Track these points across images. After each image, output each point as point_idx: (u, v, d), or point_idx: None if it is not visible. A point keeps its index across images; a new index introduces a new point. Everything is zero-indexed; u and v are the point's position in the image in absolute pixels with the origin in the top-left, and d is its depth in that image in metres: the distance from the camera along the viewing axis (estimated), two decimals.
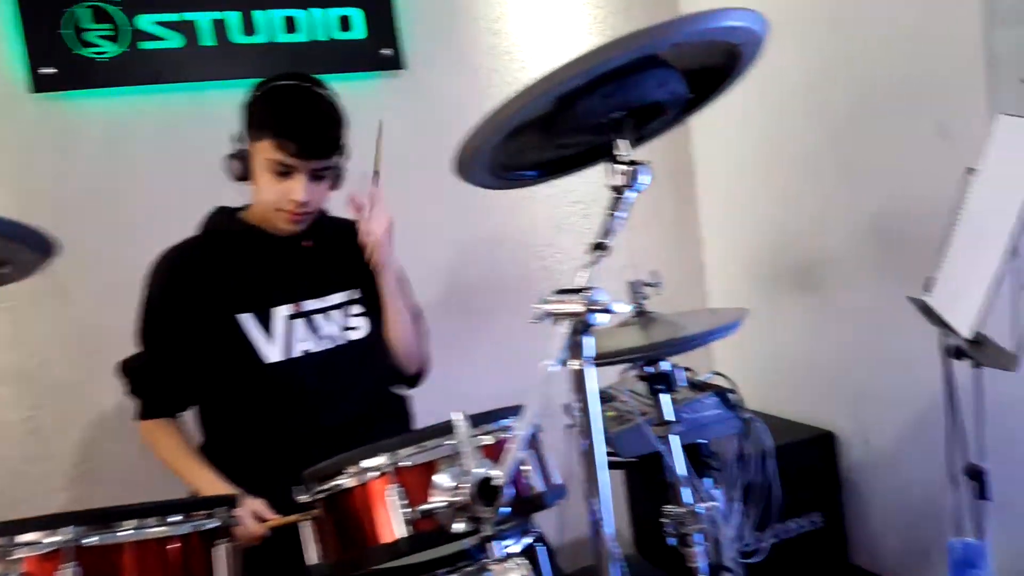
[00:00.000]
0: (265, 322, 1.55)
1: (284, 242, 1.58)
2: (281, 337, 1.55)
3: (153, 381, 1.57)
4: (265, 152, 1.46)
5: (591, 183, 2.50)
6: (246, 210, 1.61)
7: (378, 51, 2.25)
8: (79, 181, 1.95)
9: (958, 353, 1.38)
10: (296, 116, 1.46)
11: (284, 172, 1.47)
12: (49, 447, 1.93)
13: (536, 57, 2.43)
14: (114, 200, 1.98)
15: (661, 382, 1.55)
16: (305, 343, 1.57)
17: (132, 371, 1.59)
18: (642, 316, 1.65)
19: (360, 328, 1.64)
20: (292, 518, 1.21)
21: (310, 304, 1.59)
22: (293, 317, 1.57)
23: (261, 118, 1.48)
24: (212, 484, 1.45)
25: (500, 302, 2.44)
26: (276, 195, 1.50)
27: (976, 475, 1.40)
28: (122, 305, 1.94)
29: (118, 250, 1.95)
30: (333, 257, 1.64)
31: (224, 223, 1.61)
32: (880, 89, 2.03)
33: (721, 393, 1.81)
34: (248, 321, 1.54)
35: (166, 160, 2.04)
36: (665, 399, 1.56)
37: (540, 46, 2.45)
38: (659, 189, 2.66)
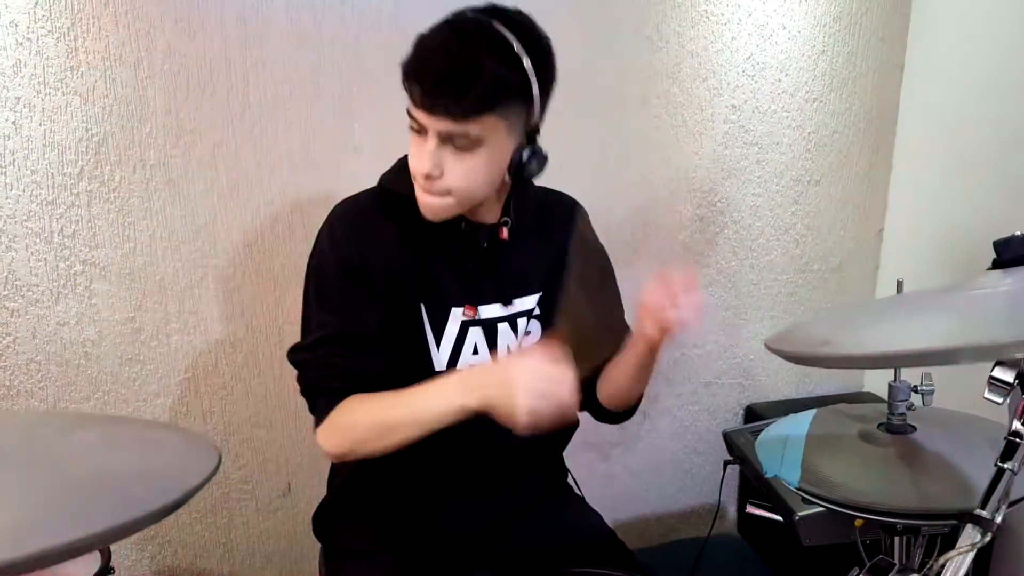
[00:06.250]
0: (439, 321, 1.29)
1: (478, 228, 1.28)
2: (450, 344, 1.30)
3: (349, 355, 1.24)
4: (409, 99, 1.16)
5: (773, 121, 2.21)
6: None
7: None
8: (202, 58, 1.72)
9: None
10: (429, 53, 1.11)
11: (418, 130, 1.16)
12: (148, 351, 1.82)
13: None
14: (239, 84, 1.75)
15: None
16: (476, 357, 1.31)
17: (319, 343, 1.25)
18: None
19: (533, 333, 1.38)
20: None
21: (492, 311, 1.33)
22: (470, 324, 1.31)
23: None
24: (455, 385, 1.14)
25: (639, 250, 2.18)
26: (411, 160, 1.20)
27: None
28: (236, 207, 1.81)
29: (239, 145, 1.78)
30: (529, 251, 1.34)
31: (412, 186, 1.25)
32: None
33: None
34: (424, 315, 1.28)
35: (304, 38, 1.77)
36: None
37: None
38: (852, 131, 2.33)
